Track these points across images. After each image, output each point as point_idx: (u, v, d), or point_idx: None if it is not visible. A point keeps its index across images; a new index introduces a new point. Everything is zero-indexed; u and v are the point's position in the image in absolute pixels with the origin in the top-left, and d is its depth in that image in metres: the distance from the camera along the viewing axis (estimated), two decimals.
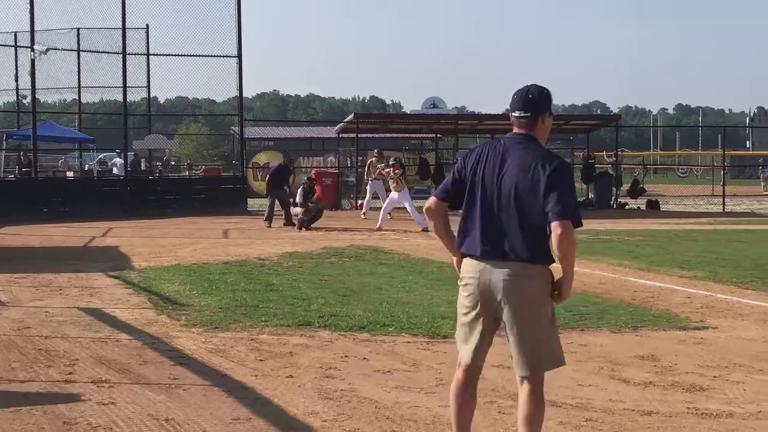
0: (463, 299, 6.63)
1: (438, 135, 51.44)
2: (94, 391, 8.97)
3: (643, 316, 13.25)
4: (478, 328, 6.58)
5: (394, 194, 30.32)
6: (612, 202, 43.27)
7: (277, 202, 31.37)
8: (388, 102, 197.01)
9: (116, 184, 40.47)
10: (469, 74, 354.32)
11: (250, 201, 40.99)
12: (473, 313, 6.58)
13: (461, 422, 6.79)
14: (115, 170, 46.63)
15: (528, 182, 6.33)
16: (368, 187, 36.04)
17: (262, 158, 54.34)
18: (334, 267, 19.03)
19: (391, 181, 30.57)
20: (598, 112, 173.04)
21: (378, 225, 29.26)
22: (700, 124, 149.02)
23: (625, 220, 35.00)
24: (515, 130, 6.64)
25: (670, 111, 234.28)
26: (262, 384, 9.34)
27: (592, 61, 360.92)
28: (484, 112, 66.66)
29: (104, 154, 53.43)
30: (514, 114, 6.61)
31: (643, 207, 43.37)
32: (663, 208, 43.49)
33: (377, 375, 9.76)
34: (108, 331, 12.10)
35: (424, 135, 53.19)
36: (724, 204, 43.33)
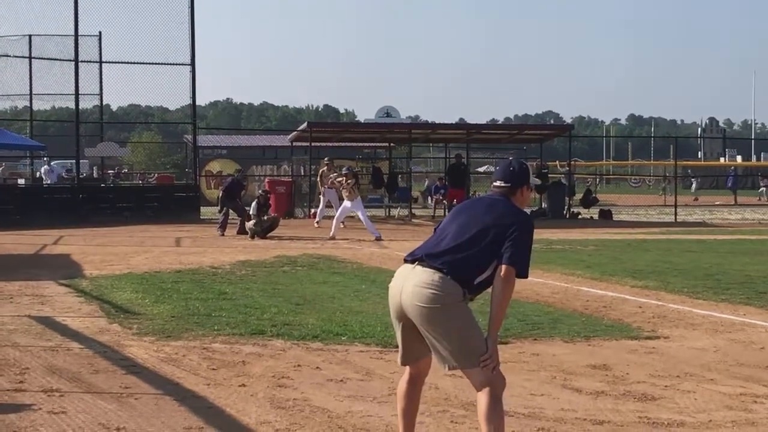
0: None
1: (391, 144, 51.47)
2: (45, 401, 8.90)
3: (596, 326, 13.31)
4: (400, 330, 7.00)
5: (347, 203, 30.30)
6: (565, 212, 43.45)
7: (233, 211, 31.38)
8: (342, 111, 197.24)
9: (68, 191, 40.18)
10: (422, 84, 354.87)
11: (203, 209, 40.86)
12: (394, 317, 7.00)
13: (403, 421, 7.17)
14: (48, 180, 46.10)
15: (491, 224, 6.77)
16: (321, 196, 36.04)
17: (215, 167, 54.17)
18: (287, 276, 18.99)
19: (343, 191, 30.55)
20: (552, 122, 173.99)
21: (331, 234, 29.24)
22: (653, 135, 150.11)
23: (577, 229, 35.15)
24: (494, 192, 7.16)
25: (623, 121, 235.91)
26: (215, 393, 9.30)
27: (546, 71, 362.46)
28: (437, 122, 66.92)
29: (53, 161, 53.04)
30: (495, 184, 7.13)
31: (596, 217, 43.56)
32: (615, 217, 43.69)
33: (330, 384, 9.75)
34: (59, 340, 12.01)
35: (378, 144, 53.20)
36: (676, 214, 43.53)
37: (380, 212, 43.29)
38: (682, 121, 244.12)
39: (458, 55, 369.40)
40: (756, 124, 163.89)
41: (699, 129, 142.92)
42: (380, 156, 54.51)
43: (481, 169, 69.62)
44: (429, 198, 51.69)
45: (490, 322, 6.69)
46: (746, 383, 10.01)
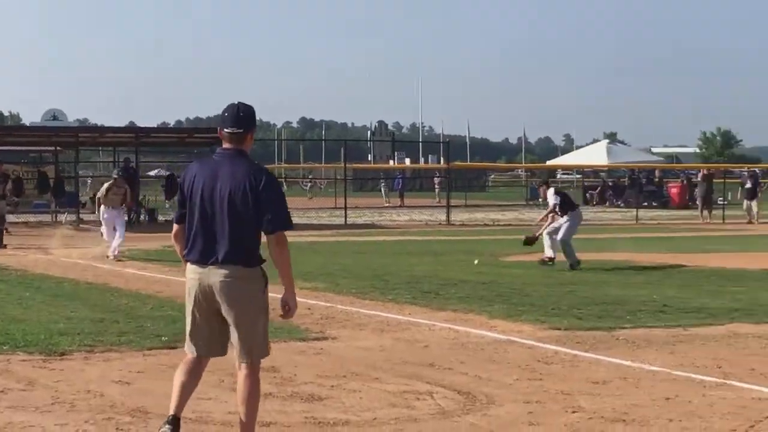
0: (188, 298, 7.37)
1: (58, 148, 50.19)
2: None
3: None
4: (202, 324, 7.36)
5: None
6: None
7: None
8: (6, 113, 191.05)
9: None
10: (92, 87, 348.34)
11: None
12: (195, 311, 7.35)
13: (180, 398, 7.49)
14: None
15: (240, 193, 7.11)
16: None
17: None
18: None
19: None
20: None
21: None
22: (324, 138, 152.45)
23: None
24: (225, 145, 7.35)
25: (294, 124, 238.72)
26: None
27: (216, 73, 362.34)
28: (106, 125, 65.71)
29: None
30: (226, 130, 7.30)
31: None
32: None
33: None
34: None
35: (44, 148, 51.82)
36: (346, 216, 44.16)
37: (47, 218, 42.15)
38: (352, 124, 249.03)
39: (129, 61, 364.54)
40: (424, 127, 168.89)
41: (369, 132, 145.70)
42: (47, 160, 53.06)
43: (152, 173, 68.77)
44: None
45: (284, 283, 7.27)
46: (410, 381, 10.25)
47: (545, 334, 13.26)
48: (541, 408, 9.12)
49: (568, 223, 21.66)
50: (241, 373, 7.29)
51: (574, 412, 8.97)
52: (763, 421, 8.61)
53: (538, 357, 11.62)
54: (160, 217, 41.80)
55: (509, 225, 41.56)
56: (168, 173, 52.32)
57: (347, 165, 53.88)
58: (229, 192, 7.11)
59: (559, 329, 13.57)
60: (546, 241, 21.81)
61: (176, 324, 13.36)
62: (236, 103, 7.38)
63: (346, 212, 44.66)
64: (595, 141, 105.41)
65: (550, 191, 22.42)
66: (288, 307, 7.33)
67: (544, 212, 22.45)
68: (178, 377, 7.51)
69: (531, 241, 22.08)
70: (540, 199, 23.31)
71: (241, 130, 7.27)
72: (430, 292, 17.36)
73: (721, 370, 10.82)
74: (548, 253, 21.67)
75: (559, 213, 21.84)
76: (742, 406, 9.17)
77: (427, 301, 16.35)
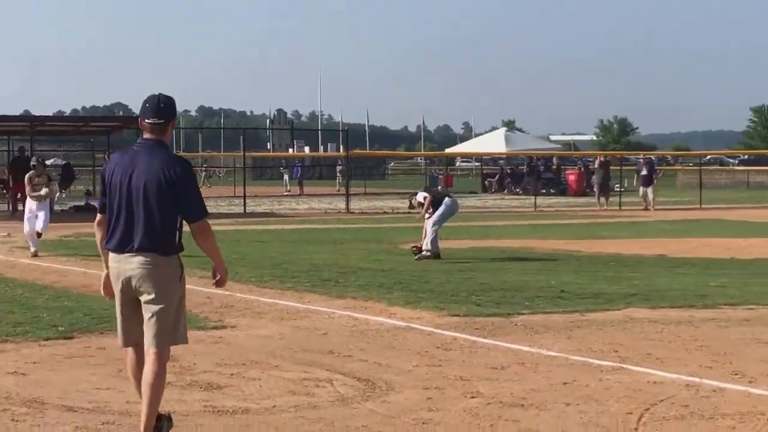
0: (113, 288, 7.51)
1: None
2: None
3: None
4: (125, 311, 7.50)
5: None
6: None
7: None
8: None
9: None
10: None
11: None
12: (119, 299, 7.49)
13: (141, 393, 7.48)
14: None
15: (155, 184, 7.22)
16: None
17: None
18: None
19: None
20: (121, 113, 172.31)
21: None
22: (222, 126, 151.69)
23: None
24: (146, 135, 7.45)
25: (193, 113, 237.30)
26: None
27: (113, 62, 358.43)
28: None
29: None
30: (147, 121, 7.40)
31: None
32: None
33: None
34: None
35: None
36: (245, 205, 43.88)
37: None
38: (251, 112, 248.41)
39: (24, 50, 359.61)
40: (323, 115, 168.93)
41: (268, 120, 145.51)
42: None
43: (48, 162, 67.73)
44: None
45: (213, 259, 7.50)
46: (309, 368, 10.26)
47: (444, 320, 13.34)
48: (440, 394, 9.17)
49: (441, 209, 21.71)
50: (149, 358, 7.33)
51: (473, 397, 9.05)
52: (658, 404, 8.73)
53: (437, 343, 11.69)
54: (56, 207, 41.14)
55: (409, 213, 41.61)
56: (64, 162, 51.69)
57: (246, 153, 53.63)
58: (145, 183, 7.23)
59: (458, 316, 13.66)
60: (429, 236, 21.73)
61: (73, 314, 13.33)
62: (157, 94, 7.49)
63: (245, 201, 44.33)
64: (493, 129, 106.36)
65: (418, 194, 22.74)
66: (218, 274, 7.53)
67: (422, 210, 22.37)
68: (134, 382, 7.62)
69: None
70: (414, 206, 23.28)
71: (162, 121, 7.38)
72: (330, 280, 17.37)
73: (618, 355, 10.97)
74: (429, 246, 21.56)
75: (431, 211, 21.83)
76: (638, 390, 9.30)
77: (327, 289, 16.35)
